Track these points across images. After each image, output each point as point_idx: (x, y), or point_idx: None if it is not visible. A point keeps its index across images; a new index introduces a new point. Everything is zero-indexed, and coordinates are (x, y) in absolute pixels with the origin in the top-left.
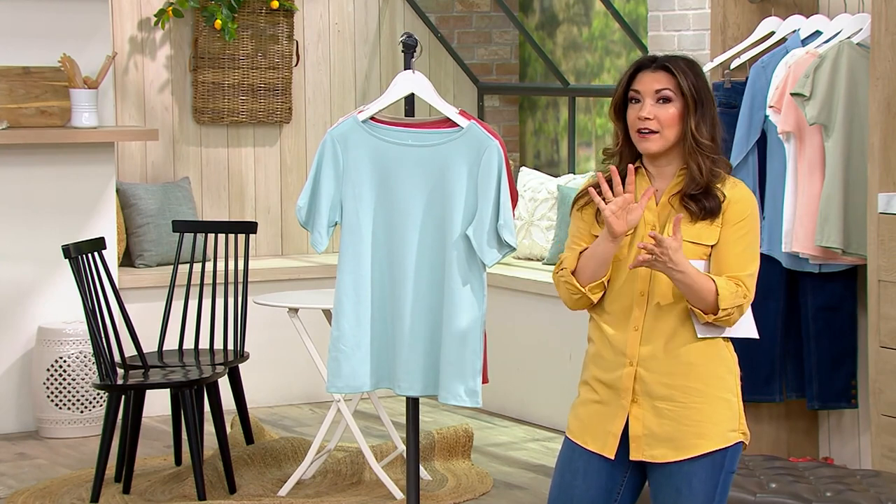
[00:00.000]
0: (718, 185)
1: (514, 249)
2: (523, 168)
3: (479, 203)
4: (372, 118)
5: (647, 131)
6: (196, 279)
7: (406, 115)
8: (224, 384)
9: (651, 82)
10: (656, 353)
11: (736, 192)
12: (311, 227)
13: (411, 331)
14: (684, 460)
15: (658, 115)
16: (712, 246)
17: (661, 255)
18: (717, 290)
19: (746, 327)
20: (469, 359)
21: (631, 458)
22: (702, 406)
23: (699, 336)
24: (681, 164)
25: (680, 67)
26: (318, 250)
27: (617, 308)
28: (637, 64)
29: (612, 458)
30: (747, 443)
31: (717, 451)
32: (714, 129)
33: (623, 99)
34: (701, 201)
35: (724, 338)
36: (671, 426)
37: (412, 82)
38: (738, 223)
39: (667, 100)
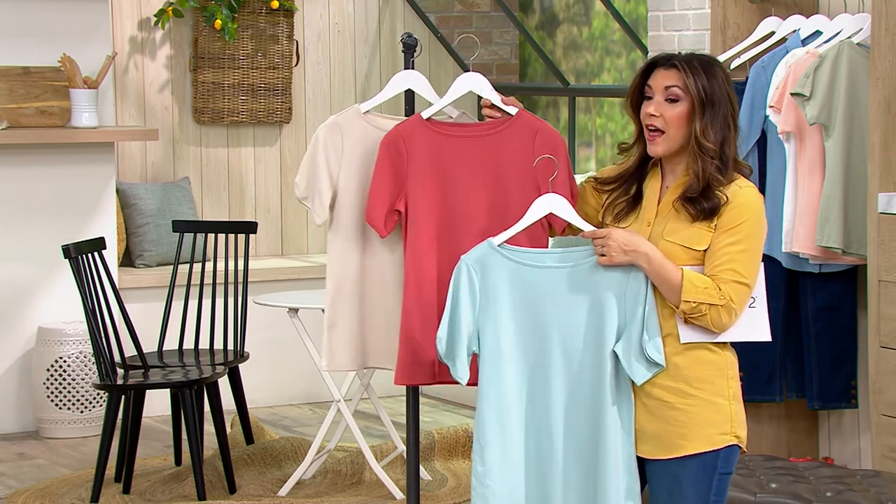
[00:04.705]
0: (721, 189)
1: (662, 368)
2: None
3: (629, 324)
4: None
5: (653, 129)
6: (196, 279)
7: (406, 115)
8: (224, 384)
9: (662, 79)
10: None
11: (738, 197)
12: (453, 358)
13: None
14: (671, 460)
15: (664, 113)
16: (705, 251)
17: (605, 248)
18: (682, 279)
19: (756, 330)
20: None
21: None
22: (687, 408)
23: (682, 341)
24: (688, 164)
25: (692, 67)
26: (462, 382)
27: None
28: (653, 59)
29: None
30: (743, 447)
31: (706, 452)
32: (726, 131)
33: (638, 93)
34: (700, 203)
35: (716, 342)
36: (658, 424)
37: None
38: (730, 229)
39: (675, 99)
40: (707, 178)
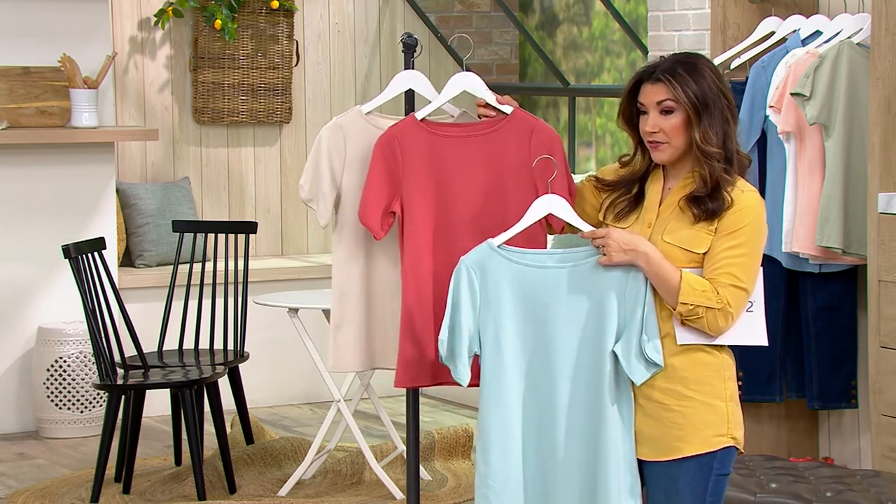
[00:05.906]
0: (728, 189)
1: (660, 368)
2: None
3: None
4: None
5: (655, 143)
6: (196, 279)
7: (406, 114)
8: (224, 384)
9: (652, 94)
10: None
11: (741, 201)
12: (454, 360)
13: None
14: (668, 462)
15: (663, 126)
16: (704, 254)
17: (604, 248)
18: (680, 281)
19: (753, 334)
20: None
21: None
22: (684, 410)
23: (678, 342)
24: (692, 167)
25: (678, 76)
26: (463, 383)
27: None
28: (638, 76)
29: None
30: (740, 448)
31: (702, 454)
32: (726, 127)
33: (630, 109)
34: (705, 203)
35: (713, 344)
36: (654, 426)
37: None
38: (731, 233)
39: (669, 111)
40: (716, 179)
